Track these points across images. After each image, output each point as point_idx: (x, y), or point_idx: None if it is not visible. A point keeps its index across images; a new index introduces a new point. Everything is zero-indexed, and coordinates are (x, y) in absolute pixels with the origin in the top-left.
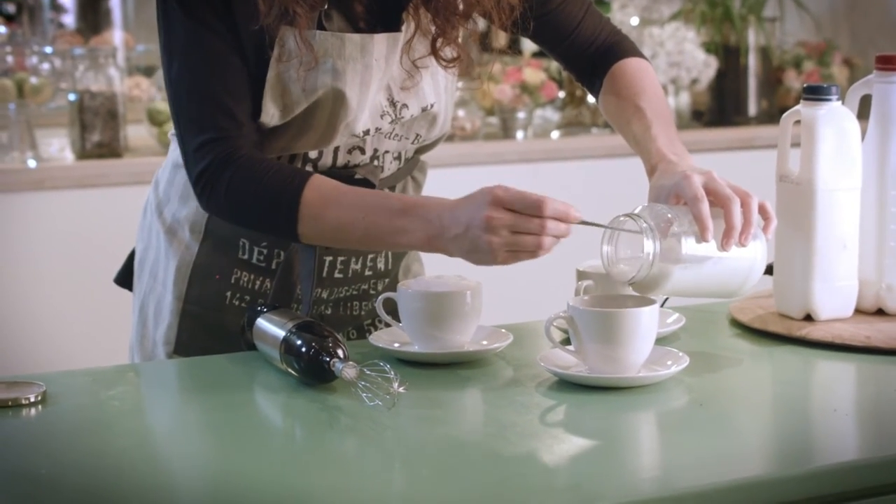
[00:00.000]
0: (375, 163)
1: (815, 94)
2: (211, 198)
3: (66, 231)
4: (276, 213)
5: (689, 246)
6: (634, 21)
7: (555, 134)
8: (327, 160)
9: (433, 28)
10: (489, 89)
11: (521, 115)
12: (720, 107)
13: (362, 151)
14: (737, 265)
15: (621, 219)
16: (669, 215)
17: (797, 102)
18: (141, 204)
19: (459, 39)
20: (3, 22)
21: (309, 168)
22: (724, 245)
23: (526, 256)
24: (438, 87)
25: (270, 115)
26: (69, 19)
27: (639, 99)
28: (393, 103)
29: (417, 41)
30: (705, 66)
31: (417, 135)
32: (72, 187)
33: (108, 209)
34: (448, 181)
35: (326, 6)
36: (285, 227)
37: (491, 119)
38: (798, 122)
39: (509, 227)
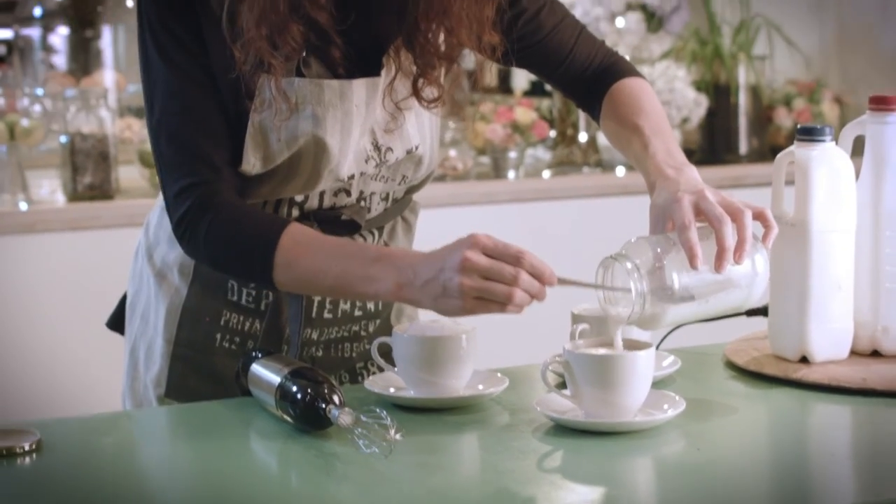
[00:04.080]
0: (362, 204)
1: (809, 135)
2: (191, 242)
3: (58, 274)
4: (252, 259)
5: (680, 279)
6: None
7: (546, 173)
8: (313, 203)
9: (414, 69)
10: (480, 129)
11: (512, 154)
12: (711, 145)
13: (348, 194)
14: (737, 284)
15: (608, 259)
16: (659, 249)
17: (788, 140)
18: (133, 246)
19: (441, 79)
20: None
21: (295, 211)
22: (716, 268)
23: (495, 307)
24: (423, 128)
25: (251, 164)
26: (60, 59)
27: (637, 117)
28: (377, 147)
29: (399, 83)
30: (696, 105)
31: (404, 176)
32: (63, 230)
33: (100, 251)
34: (440, 221)
35: (304, 53)
36: (260, 273)
37: (482, 158)
38: (792, 162)
39: (483, 272)
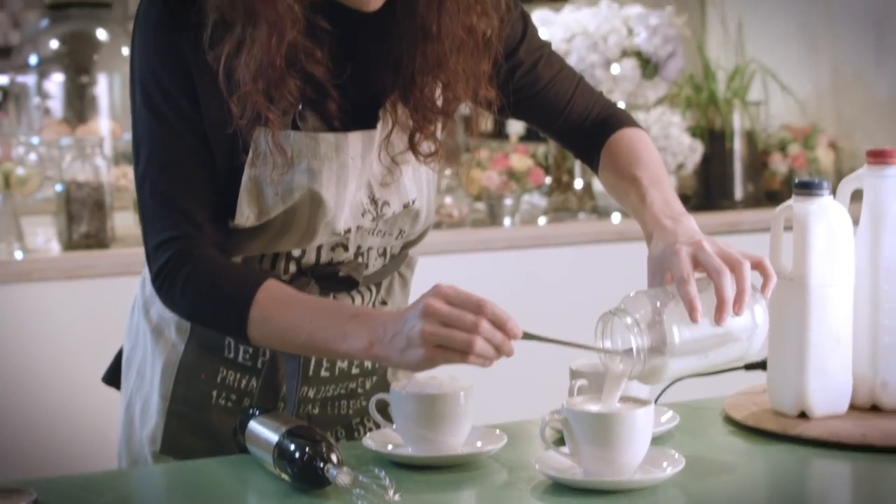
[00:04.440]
0: (360, 259)
1: (807, 188)
2: (168, 294)
3: (54, 323)
4: (228, 313)
5: (681, 333)
6: (620, 106)
7: (542, 220)
8: (310, 258)
9: (411, 123)
10: (476, 176)
11: (508, 201)
12: (706, 191)
13: (345, 248)
14: (737, 336)
15: (607, 315)
16: (658, 303)
17: (784, 186)
18: (129, 294)
19: (438, 134)
20: None
21: (293, 266)
22: (716, 320)
23: (456, 357)
24: (420, 182)
25: (246, 216)
26: (55, 103)
27: (634, 169)
28: (374, 201)
29: (396, 136)
30: (691, 151)
31: (401, 230)
32: (59, 279)
33: (97, 300)
34: (436, 269)
35: (300, 106)
36: (236, 328)
37: (478, 205)
38: (790, 216)
39: (443, 319)
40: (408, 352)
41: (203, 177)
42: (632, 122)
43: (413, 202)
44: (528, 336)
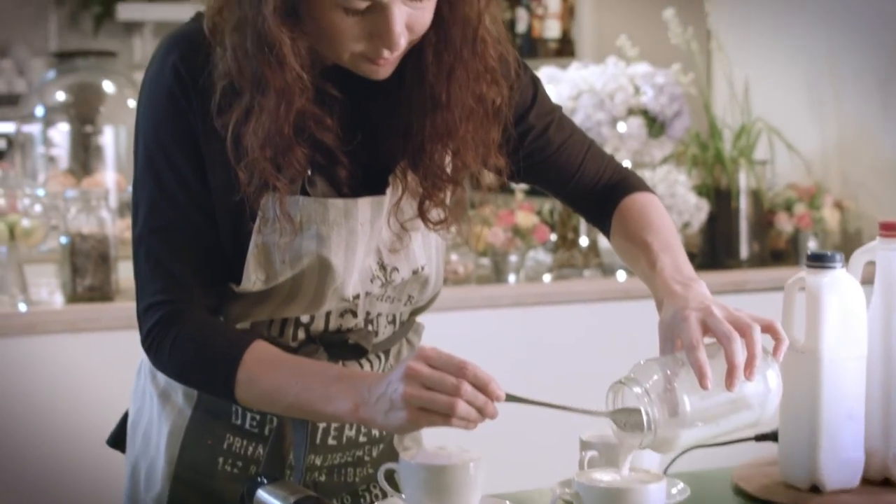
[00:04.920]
0: (370, 327)
1: (820, 261)
2: (157, 356)
3: (57, 377)
4: (215, 374)
5: (692, 402)
6: (626, 164)
7: (547, 277)
8: (319, 324)
9: (420, 190)
10: (481, 233)
11: (513, 258)
12: (712, 249)
13: (354, 315)
14: (749, 401)
15: (617, 384)
16: (668, 371)
17: (789, 245)
18: (133, 348)
19: (447, 201)
20: None
21: (301, 332)
22: (727, 386)
23: (439, 419)
24: (429, 248)
25: (253, 281)
26: (60, 151)
27: (646, 234)
28: (383, 267)
29: (405, 202)
30: (697, 210)
31: (410, 296)
32: (63, 332)
33: (101, 354)
34: (441, 326)
35: (310, 172)
36: (223, 388)
37: (483, 261)
38: (802, 289)
39: (424, 381)
40: (391, 414)
41: (199, 244)
42: (643, 187)
43: (422, 268)
44: (511, 398)
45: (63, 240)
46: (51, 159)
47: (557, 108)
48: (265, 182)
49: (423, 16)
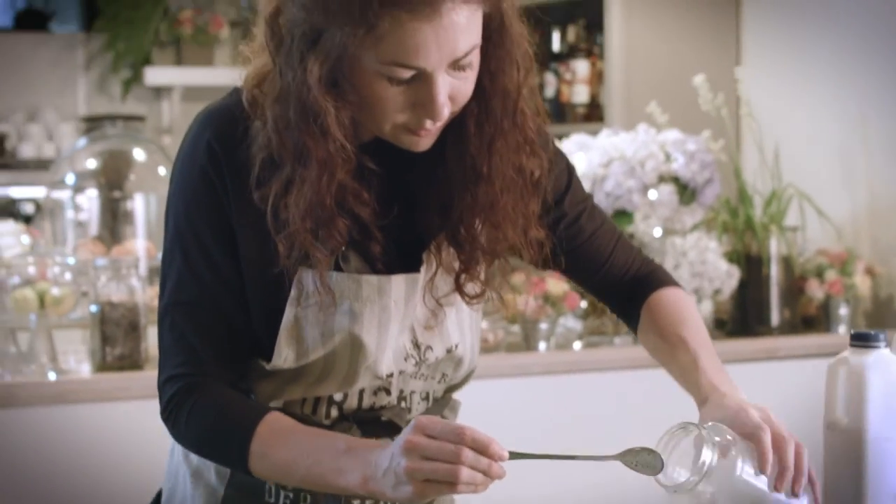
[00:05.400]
0: (403, 404)
1: (863, 340)
2: (175, 426)
3: (87, 447)
4: (230, 446)
5: (745, 470)
6: (657, 232)
7: (577, 344)
8: (352, 402)
9: (457, 264)
10: (512, 301)
11: (543, 325)
12: (743, 316)
13: (388, 392)
14: None
15: (690, 425)
16: (729, 437)
17: (820, 311)
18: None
19: (482, 275)
20: (25, 230)
21: (335, 411)
22: (777, 485)
23: (445, 488)
24: (463, 326)
25: (284, 357)
26: (90, 219)
27: (681, 329)
28: (417, 346)
29: (440, 279)
30: (728, 277)
31: (444, 374)
32: (92, 401)
33: (131, 423)
34: (472, 394)
35: (344, 248)
36: (237, 461)
37: (513, 328)
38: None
39: (423, 453)
40: (398, 489)
41: (223, 322)
42: (672, 282)
43: (456, 347)
44: (515, 455)
45: (93, 308)
46: (80, 224)
47: (589, 197)
48: (304, 254)
49: (466, 86)
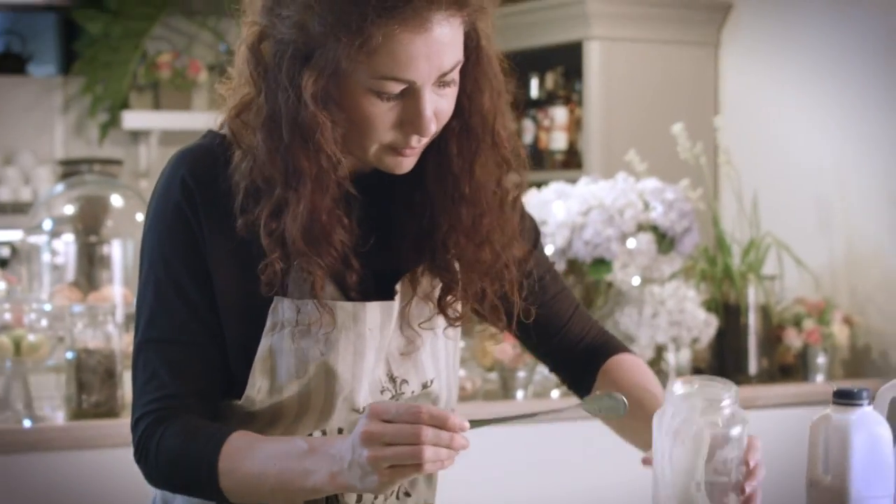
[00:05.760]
0: None
1: (846, 398)
2: (146, 462)
3: (63, 495)
4: (199, 467)
5: (732, 427)
6: (636, 280)
7: (555, 392)
8: None
9: (437, 290)
10: (490, 348)
11: (521, 373)
12: (721, 365)
13: None
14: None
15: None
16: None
17: (798, 360)
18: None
19: (460, 299)
20: (2, 276)
21: None
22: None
23: (411, 470)
24: (438, 361)
25: (258, 387)
26: (66, 263)
27: (646, 385)
28: (392, 379)
29: (416, 306)
30: (706, 326)
31: None
32: (69, 448)
33: (107, 471)
34: None
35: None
36: (208, 482)
37: (491, 376)
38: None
39: (383, 439)
40: (366, 479)
41: (196, 357)
42: (627, 349)
43: (431, 382)
44: (475, 424)
45: (69, 355)
46: (55, 268)
47: (553, 263)
48: (283, 284)
49: (448, 104)
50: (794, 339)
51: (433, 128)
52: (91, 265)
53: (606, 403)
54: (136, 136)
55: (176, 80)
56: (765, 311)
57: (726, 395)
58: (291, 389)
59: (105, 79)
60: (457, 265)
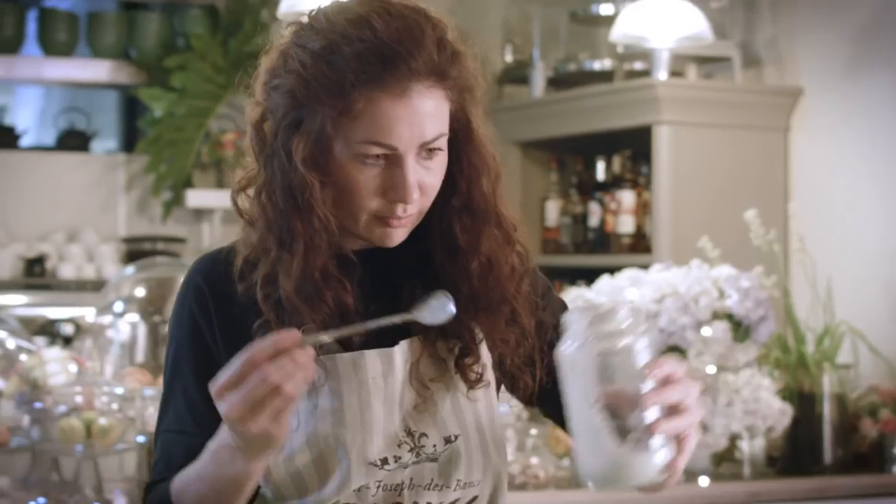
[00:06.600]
0: None
1: None
2: None
3: None
4: None
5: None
6: (711, 369)
7: None
8: None
9: (456, 350)
10: (561, 435)
11: None
12: (795, 454)
13: None
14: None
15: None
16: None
17: (873, 450)
18: None
19: (481, 361)
20: (71, 357)
21: None
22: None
23: (276, 402)
24: (463, 421)
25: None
26: (137, 345)
27: None
28: (410, 433)
29: (426, 364)
30: (781, 415)
31: (458, 480)
32: None
33: None
34: None
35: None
36: None
37: (563, 462)
38: None
39: (233, 392)
40: (253, 441)
41: (194, 448)
42: None
43: (455, 437)
44: (307, 342)
45: (140, 438)
46: (121, 347)
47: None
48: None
49: (433, 178)
50: (869, 429)
51: (416, 195)
52: (157, 345)
53: (433, 304)
54: (200, 214)
55: (240, 159)
56: (840, 400)
57: (618, 314)
58: (303, 455)
59: (169, 157)
60: (477, 330)
